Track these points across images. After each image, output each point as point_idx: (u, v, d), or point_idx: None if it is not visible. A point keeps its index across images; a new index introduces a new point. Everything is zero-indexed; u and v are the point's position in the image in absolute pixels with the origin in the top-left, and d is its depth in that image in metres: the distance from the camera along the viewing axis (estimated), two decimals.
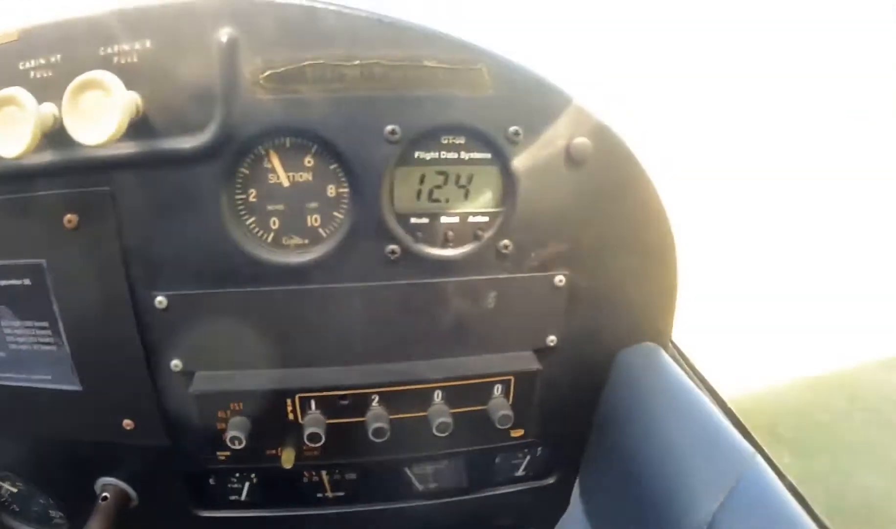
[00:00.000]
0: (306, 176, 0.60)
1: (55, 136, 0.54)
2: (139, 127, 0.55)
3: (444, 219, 0.63)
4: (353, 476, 0.78)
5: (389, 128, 0.57)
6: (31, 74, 0.54)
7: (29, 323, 0.64)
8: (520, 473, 0.83)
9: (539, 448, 0.82)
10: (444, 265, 0.64)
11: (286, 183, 0.60)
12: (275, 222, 0.62)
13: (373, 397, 0.66)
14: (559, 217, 0.65)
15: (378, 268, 0.63)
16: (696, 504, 0.56)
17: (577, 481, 0.81)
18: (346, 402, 0.66)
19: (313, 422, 0.64)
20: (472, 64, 0.57)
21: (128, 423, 0.69)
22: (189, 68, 0.54)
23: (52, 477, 0.76)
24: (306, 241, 0.63)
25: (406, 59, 0.56)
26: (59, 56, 0.54)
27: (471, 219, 0.64)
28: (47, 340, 0.65)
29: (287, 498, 0.79)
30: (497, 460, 0.81)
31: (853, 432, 2.04)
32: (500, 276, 0.66)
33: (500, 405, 0.68)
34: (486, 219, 0.64)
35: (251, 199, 0.61)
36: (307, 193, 0.61)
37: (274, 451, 0.67)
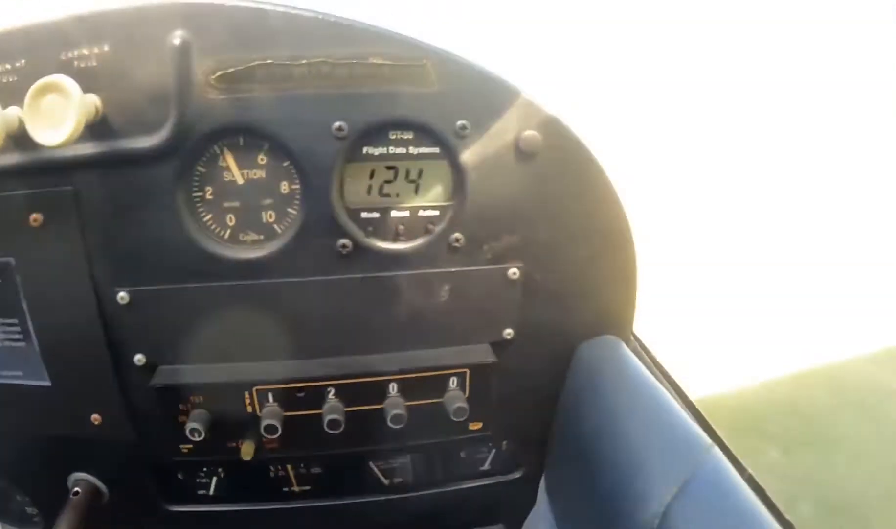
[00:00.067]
0: (260, 173, 0.62)
1: (20, 138, 0.56)
2: (99, 128, 0.58)
3: (394, 213, 0.65)
4: (318, 470, 0.79)
5: (336, 124, 0.59)
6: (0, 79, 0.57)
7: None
8: (485, 467, 0.83)
9: (504, 443, 0.82)
10: (397, 259, 0.66)
11: (240, 180, 0.62)
12: (231, 219, 0.64)
13: (328, 389, 0.67)
14: (511, 210, 0.66)
15: (331, 262, 0.64)
16: (650, 496, 0.56)
17: (543, 476, 0.81)
18: (302, 395, 0.67)
19: (270, 414, 0.66)
20: (417, 60, 0.59)
21: (95, 418, 0.70)
22: (144, 71, 0.57)
23: (26, 474, 0.78)
24: (262, 237, 0.64)
25: (352, 58, 0.58)
26: (23, 61, 0.57)
27: (421, 213, 0.65)
28: (17, 337, 0.67)
29: (254, 493, 0.80)
30: (462, 454, 0.82)
31: (840, 426, 2.02)
32: (453, 269, 0.67)
33: (455, 397, 0.68)
34: (436, 213, 0.65)
35: (208, 196, 0.63)
36: (261, 190, 0.63)
37: (234, 443, 0.68)
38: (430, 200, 0.65)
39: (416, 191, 0.65)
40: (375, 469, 0.80)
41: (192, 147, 0.60)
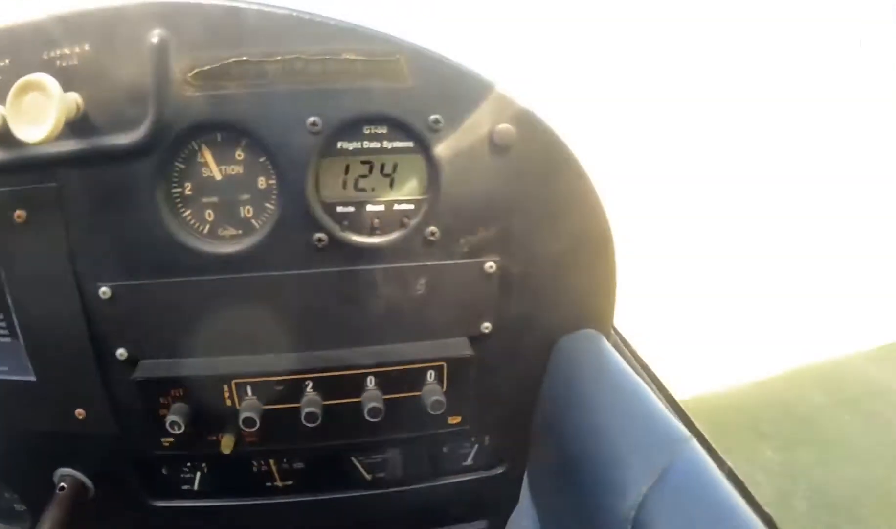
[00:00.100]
0: (238, 169, 0.63)
1: (4, 136, 0.58)
2: (81, 125, 0.59)
3: (370, 207, 0.65)
4: (300, 465, 0.79)
5: (311, 120, 0.60)
6: None
7: None
8: (468, 463, 0.83)
9: (486, 438, 0.82)
10: (372, 253, 0.66)
11: (218, 176, 0.63)
12: (210, 214, 0.65)
13: (306, 383, 0.68)
14: (486, 204, 0.67)
15: (307, 256, 0.65)
16: (627, 488, 0.56)
17: (526, 471, 0.81)
18: (280, 388, 0.67)
19: (248, 407, 0.66)
20: (390, 55, 0.60)
21: (80, 412, 0.72)
22: (124, 69, 0.58)
23: (13, 470, 0.79)
24: (240, 232, 0.65)
25: (325, 54, 0.59)
26: (7, 61, 0.58)
27: (396, 207, 0.66)
28: (2, 332, 0.68)
29: (238, 488, 0.80)
30: (444, 449, 0.82)
31: (835, 424, 2.01)
32: (429, 263, 0.67)
33: (432, 391, 0.69)
34: (411, 207, 0.66)
35: (187, 192, 0.64)
36: (239, 185, 0.64)
37: (214, 437, 0.69)
38: (405, 194, 0.66)
39: (391, 185, 0.65)
40: (357, 464, 0.81)
41: (171, 143, 0.61)
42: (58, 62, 0.58)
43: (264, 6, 0.59)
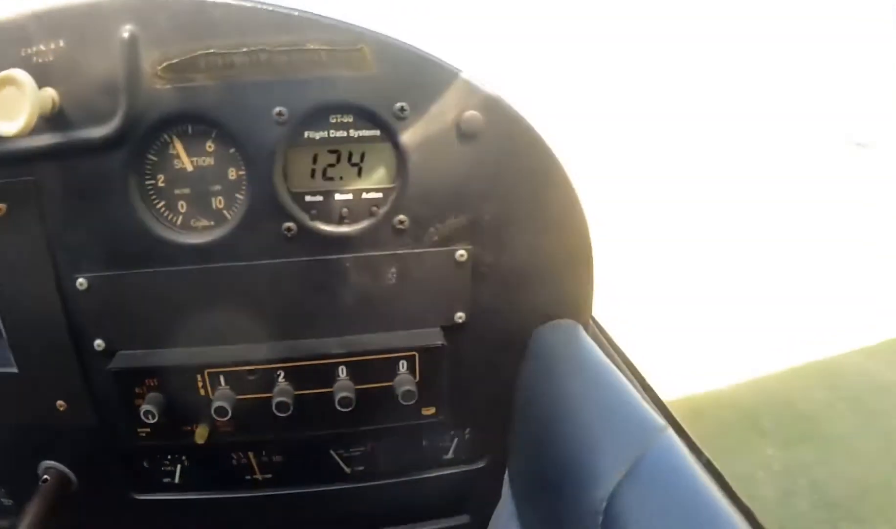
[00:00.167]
0: (209, 160, 0.64)
1: None
2: (57, 120, 0.61)
3: (338, 196, 0.66)
4: (279, 458, 0.79)
5: (277, 110, 0.61)
6: None
7: None
8: (449, 456, 0.83)
9: (466, 431, 0.82)
10: (341, 242, 0.67)
11: (190, 168, 0.65)
12: (183, 206, 0.66)
13: (278, 372, 0.68)
14: (455, 191, 0.67)
15: (277, 246, 0.66)
16: (598, 479, 0.55)
17: (507, 464, 0.80)
18: (252, 378, 0.68)
19: (221, 397, 0.67)
20: (353, 45, 0.61)
21: (61, 404, 0.73)
22: (96, 64, 0.60)
23: None
24: (212, 223, 0.66)
25: (289, 44, 0.60)
26: None
27: (364, 195, 0.66)
28: None
29: (218, 481, 0.80)
30: (424, 443, 0.81)
31: (835, 421, 1.97)
32: (399, 251, 0.67)
33: (404, 381, 0.68)
34: (380, 195, 0.66)
35: (160, 184, 0.65)
36: (210, 176, 0.65)
37: (189, 427, 0.70)
38: (374, 182, 0.66)
39: (360, 174, 0.66)
40: (336, 458, 0.80)
41: (143, 136, 0.62)
42: (34, 59, 0.60)
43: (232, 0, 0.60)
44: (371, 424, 0.73)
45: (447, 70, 0.63)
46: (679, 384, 1.89)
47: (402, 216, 0.66)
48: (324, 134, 0.64)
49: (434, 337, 0.70)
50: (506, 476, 0.81)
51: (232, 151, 0.64)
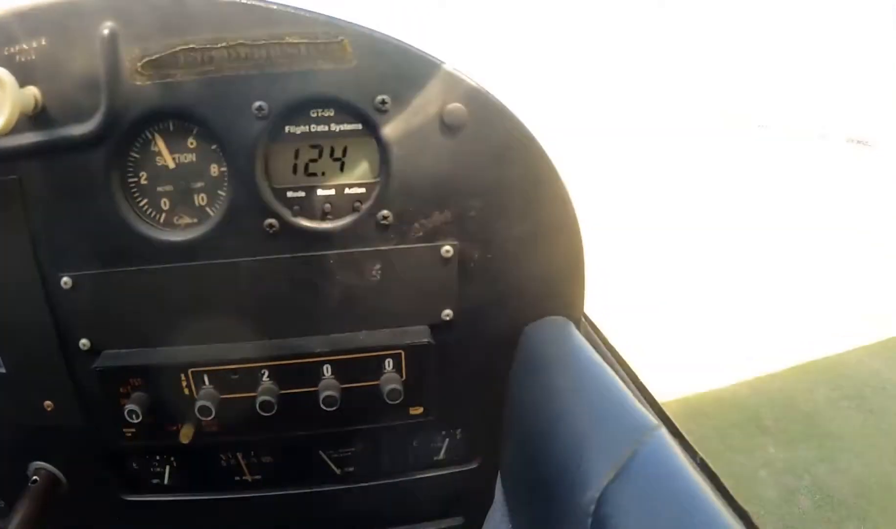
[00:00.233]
0: (191, 157, 0.64)
1: None
2: (40, 118, 0.61)
3: (321, 192, 0.65)
4: (268, 459, 0.79)
5: (257, 104, 0.60)
6: None
7: None
8: (440, 457, 0.81)
9: (458, 431, 0.80)
10: (325, 238, 0.66)
11: (172, 165, 0.64)
12: (165, 203, 0.65)
13: (262, 372, 0.67)
14: (440, 185, 0.65)
15: (260, 242, 0.65)
16: (588, 479, 0.54)
17: (500, 465, 0.78)
18: (236, 377, 0.67)
19: (205, 396, 0.66)
20: (333, 37, 0.60)
21: (48, 404, 0.72)
22: (78, 61, 0.59)
23: None
24: (195, 220, 0.66)
25: (269, 38, 0.59)
26: None
27: (347, 191, 0.65)
28: None
29: (208, 482, 0.80)
30: (414, 443, 0.80)
31: (839, 420, 1.92)
32: (383, 248, 0.66)
33: (390, 379, 0.67)
34: (363, 190, 0.65)
35: (142, 181, 0.65)
36: (193, 173, 0.64)
37: (174, 427, 0.69)
38: (357, 177, 0.65)
39: (342, 169, 0.65)
40: (326, 458, 0.79)
41: (124, 133, 0.62)
42: (17, 58, 0.60)
43: None
44: (357, 424, 0.72)
45: (430, 62, 0.62)
46: (676, 381, 1.86)
47: (385, 211, 0.65)
48: (305, 129, 0.63)
49: (420, 335, 0.69)
50: (498, 477, 0.79)
51: (213, 147, 0.63)
